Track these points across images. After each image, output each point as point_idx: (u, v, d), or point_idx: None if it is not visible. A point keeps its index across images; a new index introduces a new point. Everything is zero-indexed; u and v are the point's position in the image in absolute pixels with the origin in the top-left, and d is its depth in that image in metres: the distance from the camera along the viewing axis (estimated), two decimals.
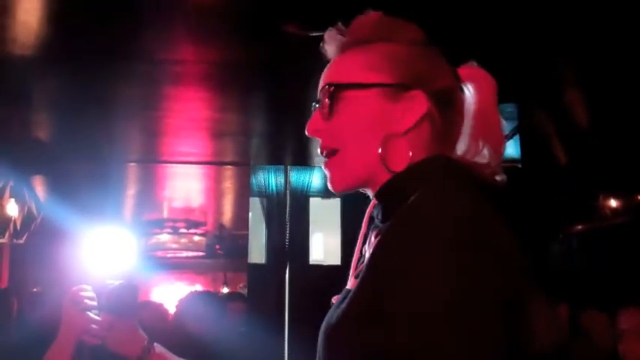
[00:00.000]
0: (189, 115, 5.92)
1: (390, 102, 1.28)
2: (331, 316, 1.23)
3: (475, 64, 1.40)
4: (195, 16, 4.01)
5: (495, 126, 1.34)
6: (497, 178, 1.31)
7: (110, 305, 2.11)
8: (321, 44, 1.39)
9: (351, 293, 1.20)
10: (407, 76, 1.30)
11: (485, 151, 1.31)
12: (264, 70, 4.81)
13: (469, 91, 1.35)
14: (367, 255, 1.32)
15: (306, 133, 1.35)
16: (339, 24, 1.38)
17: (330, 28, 1.38)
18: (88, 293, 2.13)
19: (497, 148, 1.32)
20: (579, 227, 6.79)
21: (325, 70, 1.37)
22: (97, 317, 2.09)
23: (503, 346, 1.06)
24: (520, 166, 6.38)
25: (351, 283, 1.34)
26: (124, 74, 4.87)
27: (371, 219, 1.37)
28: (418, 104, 1.29)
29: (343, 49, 1.36)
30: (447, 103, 1.32)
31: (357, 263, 1.38)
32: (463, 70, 1.38)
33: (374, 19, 1.36)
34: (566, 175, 6.29)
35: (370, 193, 1.34)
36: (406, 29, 1.37)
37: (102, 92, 5.23)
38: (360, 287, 1.16)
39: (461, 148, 1.32)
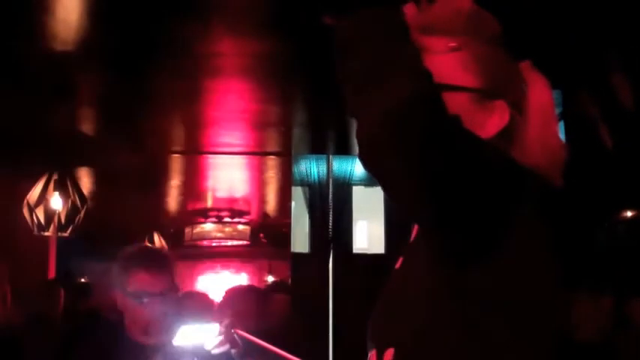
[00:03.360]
0: (231, 107, 5.94)
1: (474, 106, 1.26)
2: None
3: (530, 64, 1.37)
4: (233, 9, 4.01)
5: (553, 131, 1.31)
6: (556, 182, 1.28)
7: None
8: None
9: None
10: (492, 83, 1.28)
11: (543, 155, 1.28)
12: (303, 60, 4.80)
13: (525, 94, 1.32)
14: None
15: None
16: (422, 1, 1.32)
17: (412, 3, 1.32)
18: None
19: (555, 153, 1.29)
20: (626, 214, 6.68)
21: None
22: None
23: None
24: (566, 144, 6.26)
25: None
26: (164, 68, 4.89)
27: None
28: (500, 115, 1.27)
29: (426, 33, 1.30)
30: (520, 112, 1.30)
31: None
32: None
33: (466, 9, 1.32)
34: (612, 161, 6.18)
35: None
36: (489, 24, 1.34)
37: (143, 86, 5.27)
38: None
39: (519, 151, 1.29)
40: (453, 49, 1.28)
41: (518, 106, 1.30)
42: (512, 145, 1.28)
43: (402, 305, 1.22)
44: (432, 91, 1.09)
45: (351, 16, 1.19)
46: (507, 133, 1.28)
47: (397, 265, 1.32)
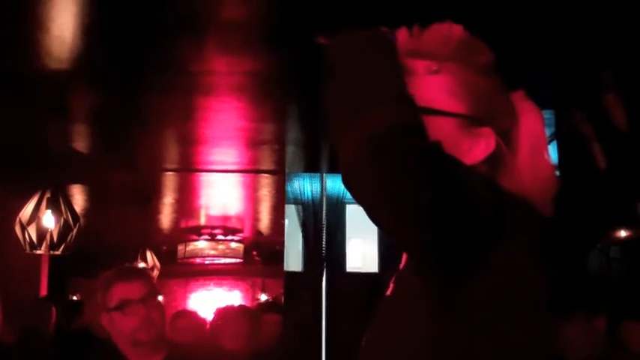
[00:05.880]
0: (224, 125, 5.93)
1: (460, 132, 1.26)
2: None
3: (523, 94, 1.37)
4: (227, 28, 4.02)
5: (544, 162, 1.31)
6: (546, 212, 1.27)
7: None
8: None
9: None
10: (480, 110, 1.29)
11: (533, 185, 1.27)
12: (297, 79, 4.81)
13: (517, 124, 1.32)
14: None
15: None
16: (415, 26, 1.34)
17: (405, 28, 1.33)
18: None
19: (546, 183, 1.29)
20: (619, 235, 6.67)
21: None
22: None
23: None
24: (558, 173, 6.28)
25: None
26: (158, 86, 4.89)
27: None
28: (486, 142, 1.27)
29: (414, 56, 1.32)
30: (509, 142, 1.30)
31: None
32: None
33: (456, 37, 1.32)
34: (605, 182, 6.19)
35: None
36: (481, 52, 1.34)
37: (137, 103, 5.27)
38: None
39: (509, 180, 1.28)
40: (434, 72, 1.28)
41: (506, 136, 1.30)
42: (500, 173, 1.28)
43: (394, 331, 1.21)
44: (414, 118, 1.09)
45: (341, 35, 1.19)
46: (494, 160, 1.28)
47: (388, 292, 1.32)
